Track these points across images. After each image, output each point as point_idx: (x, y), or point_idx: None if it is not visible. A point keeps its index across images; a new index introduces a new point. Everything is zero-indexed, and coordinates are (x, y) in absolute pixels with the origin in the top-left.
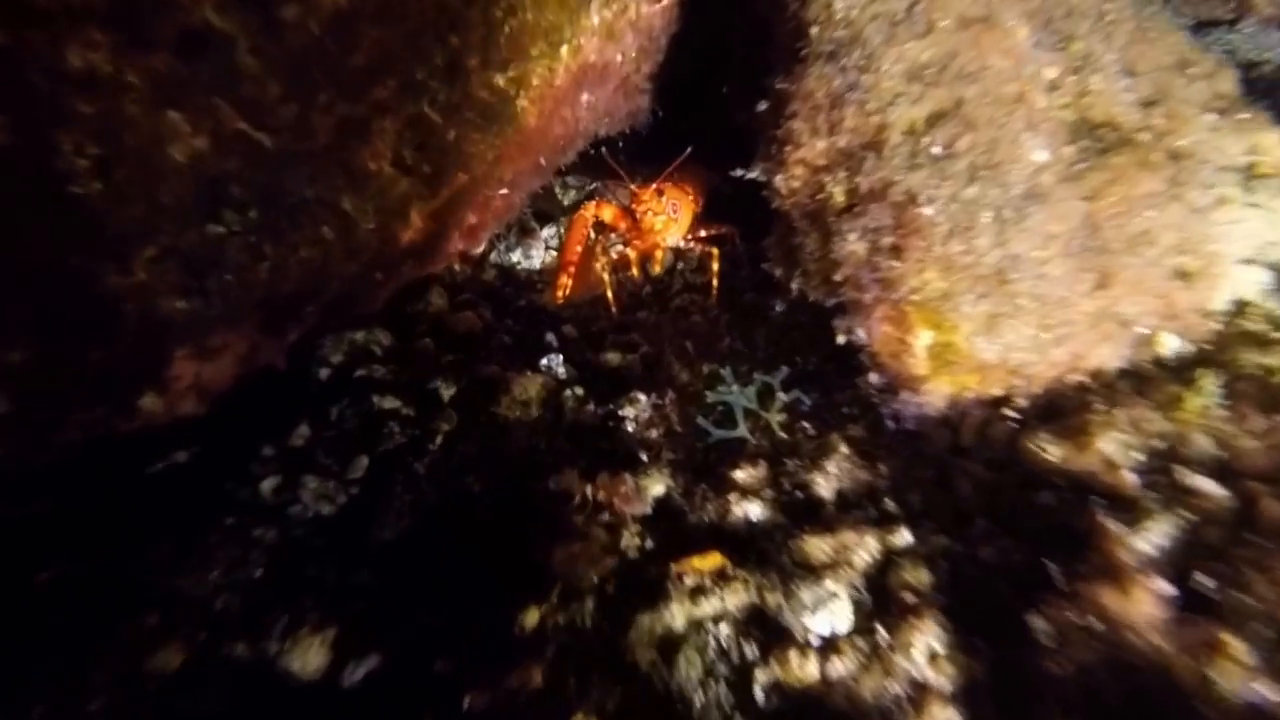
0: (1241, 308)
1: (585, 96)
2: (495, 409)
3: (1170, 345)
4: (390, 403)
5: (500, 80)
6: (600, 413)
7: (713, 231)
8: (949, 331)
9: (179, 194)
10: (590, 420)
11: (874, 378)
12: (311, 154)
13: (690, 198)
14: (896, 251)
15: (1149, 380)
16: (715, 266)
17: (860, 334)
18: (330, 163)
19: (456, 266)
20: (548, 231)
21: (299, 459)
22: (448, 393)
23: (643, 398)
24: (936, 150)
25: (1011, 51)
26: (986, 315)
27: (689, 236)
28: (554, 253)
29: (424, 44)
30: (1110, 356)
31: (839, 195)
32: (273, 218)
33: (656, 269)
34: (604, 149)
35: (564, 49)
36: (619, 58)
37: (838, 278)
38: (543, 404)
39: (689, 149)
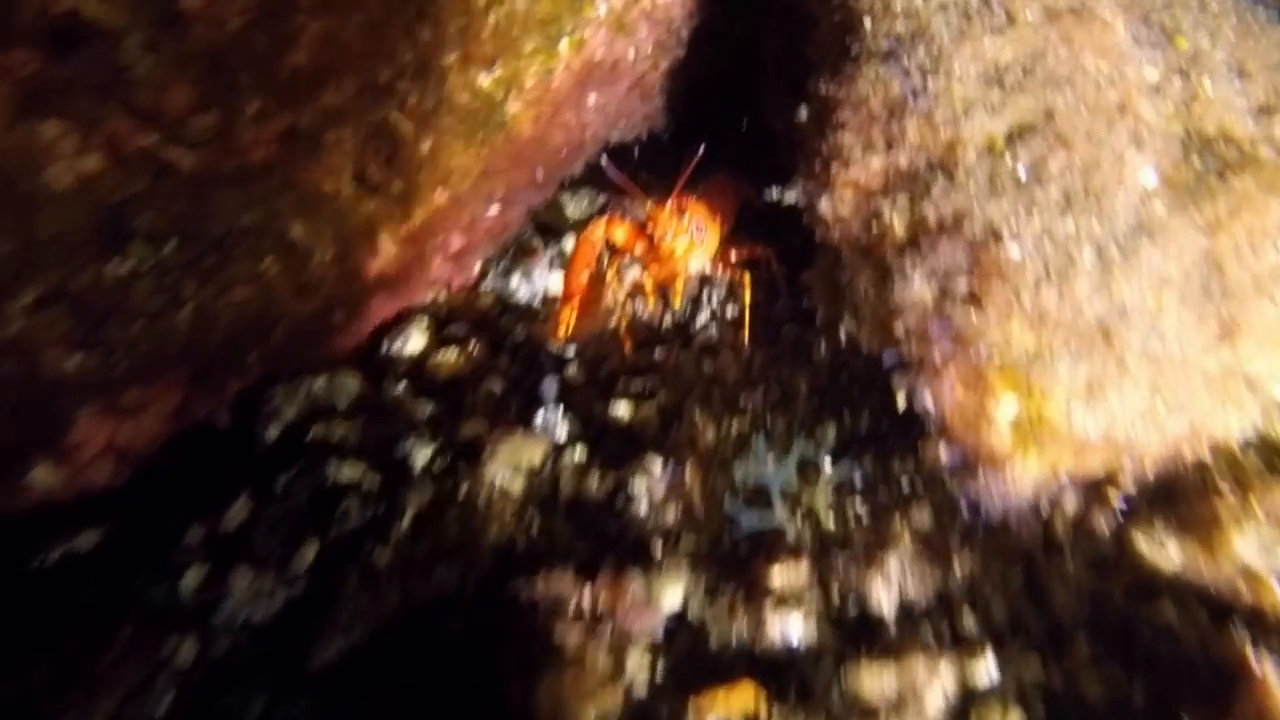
0: None
1: (592, 98)
2: (478, 481)
3: None
4: (350, 471)
5: (485, 80)
6: (606, 486)
7: (744, 254)
8: (1040, 399)
9: (65, 226)
10: (593, 495)
11: (944, 452)
12: (246, 173)
13: (717, 215)
14: (974, 300)
15: None
16: (747, 297)
17: (927, 397)
18: (273, 183)
19: (443, 295)
20: (552, 250)
21: (232, 544)
22: (421, 458)
23: (658, 466)
24: (1022, 173)
25: (1110, 49)
26: (1087, 379)
27: (716, 260)
28: (559, 274)
29: (387, 38)
30: (1236, 425)
31: (899, 226)
32: (196, 252)
33: (677, 301)
34: (606, 159)
35: (564, 43)
36: (631, 53)
37: (899, 329)
38: (536, 474)
39: (713, 156)
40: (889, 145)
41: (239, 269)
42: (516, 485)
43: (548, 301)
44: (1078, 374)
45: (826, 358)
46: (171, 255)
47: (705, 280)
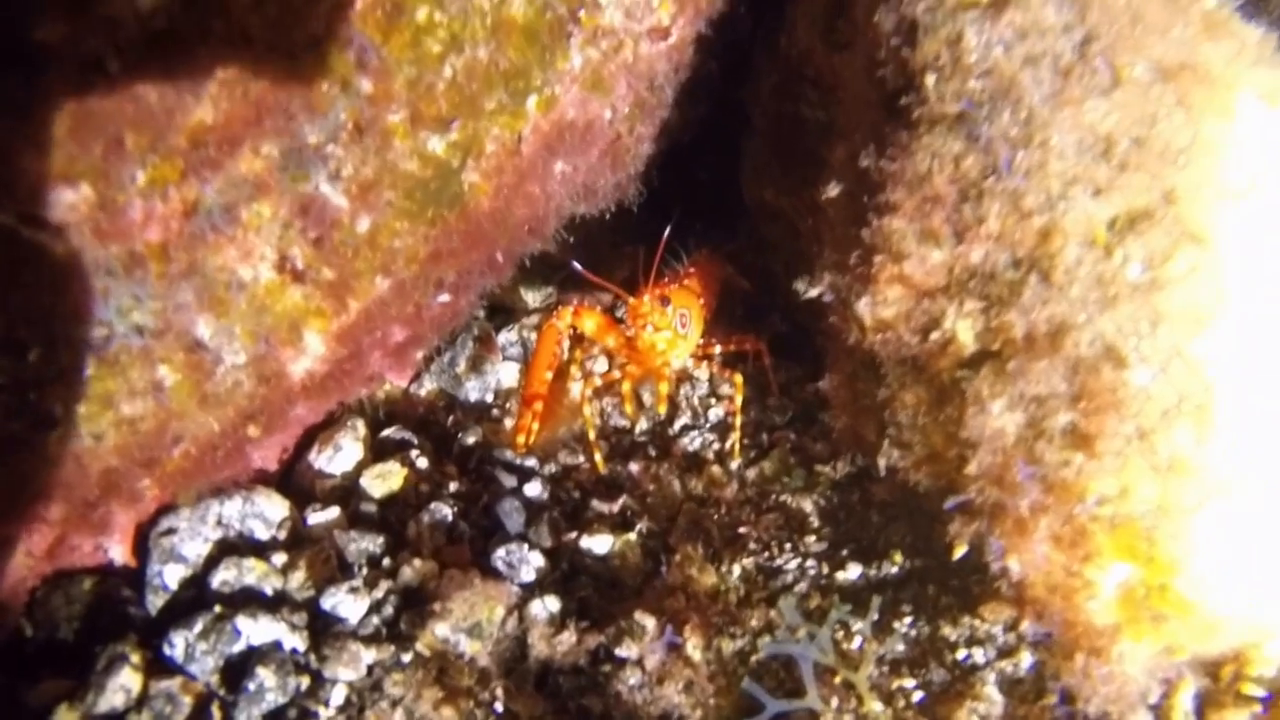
0: None
1: (560, 166)
2: (425, 645)
3: None
4: (266, 630)
5: (439, 144)
6: (586, 650)
7: (731, 347)
8: (1163, 566)
9: None
10: (570, 662)
11: (1024, 626)
12: (136, 260)
13: (702, 300)
14: (1079, 438)
15: None
16: (739, 401)
17: (1003, 554)
18: (172, 271)
19: (382, 390)
20: (507, 335)
21: None
22: (355, 612)
23: (650, 624)
24: (1137, 274)
25: (1230, 111)
26: (1229, 541)
27: (699, 354)
28: (516, 366)
29: (318, 91)
30: None
31: (968, 337)
32: (69, 361)
33: (662, 407)
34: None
35: (532, 100)
36: (607, 114)
37: (971, 468)
38: (497, 634)
39: (693, 231)
40: (958, 235)
41: (128, 379)
42: (474, 650)
43: (502, 396)
44: (1217, 535)
45: (839, 474)
46: (35, 366)
47: (683, 374)
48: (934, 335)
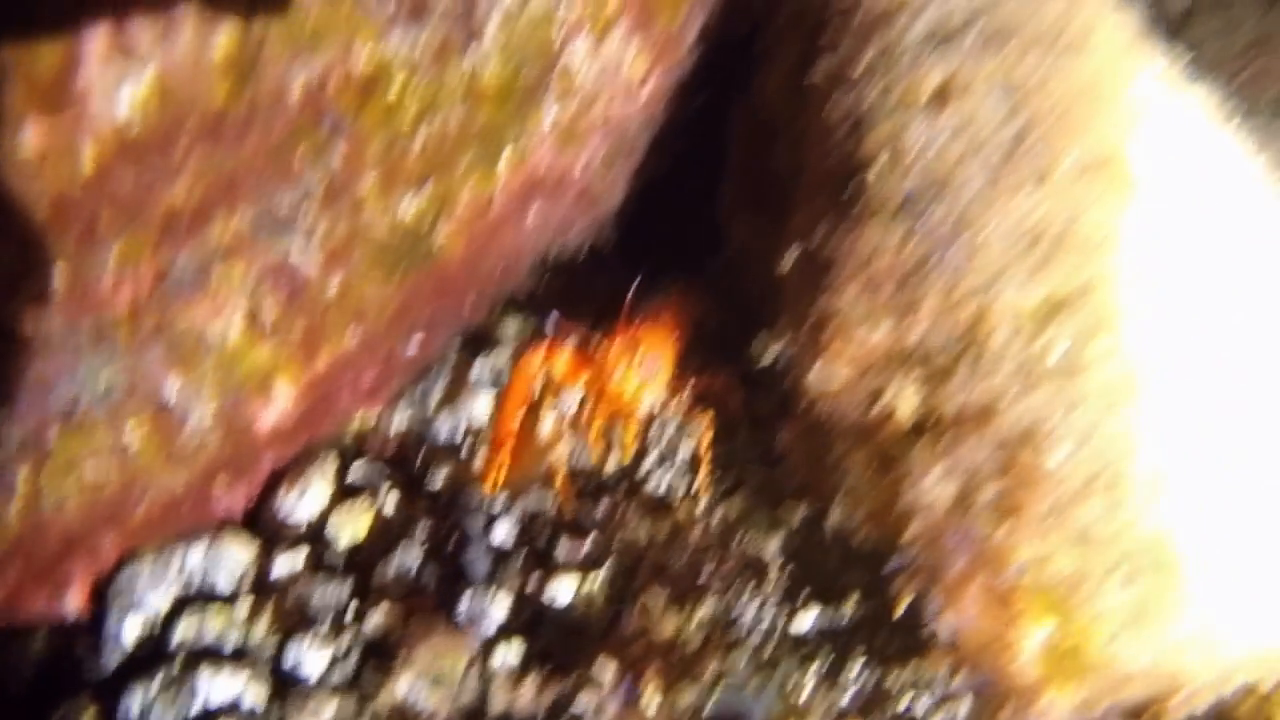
0: None
1: (534, 212)
2: (387, 698)
3: None
4: (226, 687)
5: (410, 205)
6: (545, 701)
7: (701, 386)
8: (1077, 628)
9: None
10: (529, 713)
11: (960, 677)
12: (106, 327)
13: (671, 340)
14: (1005, 510)
15: None
16: (706, 442)
17: (939, 614)
18: (142, 332)
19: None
20: (483, 366)
21: None
22: (317, 665)
23: (609, 675)
24: (1057, 358)
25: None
26: (1136, 604)
27: (669, 393)
28: (487, 401)
29: (291, 162)
30: None
31: (907, 411)
32: (31, 428)
33: (629, 452)
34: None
35: (504, 159)
36: (581, 164)
37: (908, 534)
38: (458, 685)
39: (667, 266)
40: (901, 314)
41: (93, 442)
42: (434, 702)
43: (474, 430)
44: (1126, 600)
45: (799, 516)
46: None
47: (653, 414)
48: (877, 407)
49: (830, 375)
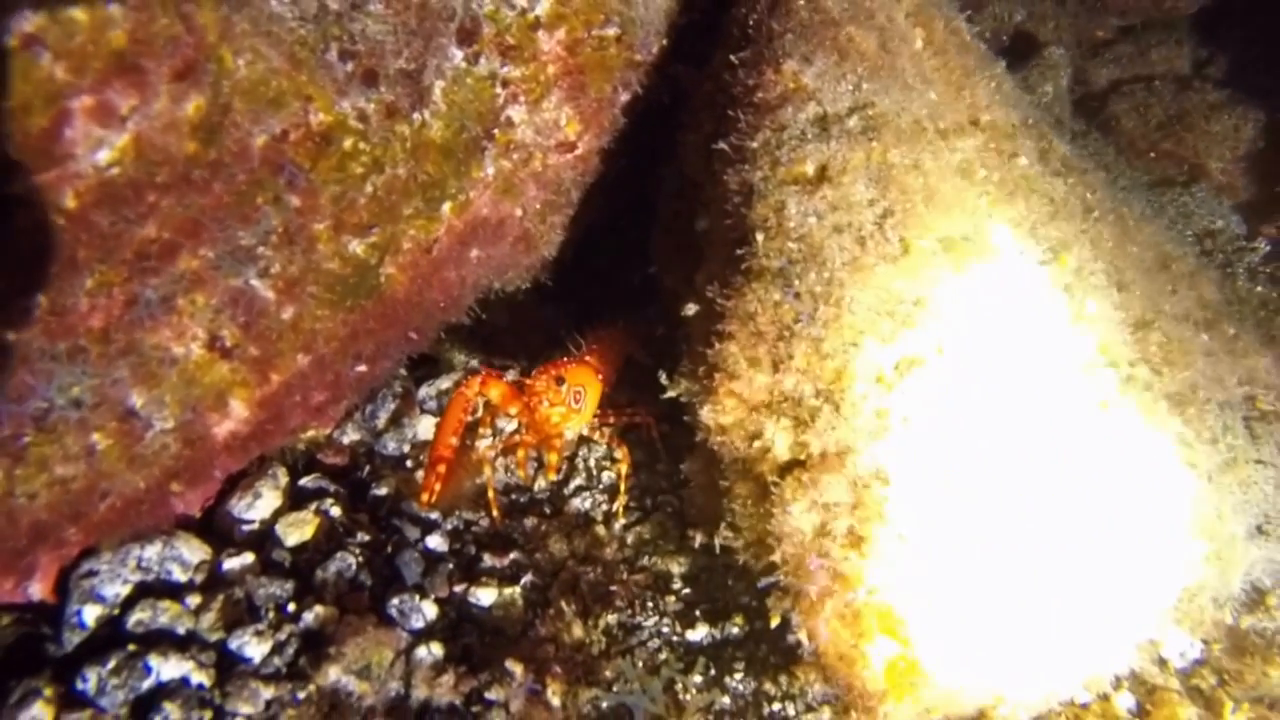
0: (1261, 596)
1: (475, 253)
2: (320, 681)
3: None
4: (175, 668)
5: (358, 246)
6: (460, 693)
7: (623, 419)
8: (910, 645)
9: None
10: (445, 703)
11: (818, 686)
12: (79, 345)
13: (600, 374)
14: (854, 539)
15: (1157, 696)
16: (624, 470)
17: (802, 628)
18: (111, 349)
19: (304, 437)
20: (427, 390)
21: None
22: (259, 652)
23: (518, 672)
24: (909, 411)
25: (996, 274)
26: (963, 630)
27: (596, 422)
28: (431, 420)
29: (249, 206)
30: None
31: (781, 449)
32: (10, 432)
33: (551, 475)
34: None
35: (446, 206)
36: (519, 212)
37: (776, 556)
38: (384, 676)
39: (603, 303)
40: (775, 366)
41: (63, 446)
42: (362, 690)
43: (417, 448)
44: (954, 625)
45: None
46: None
47: (583, 439)
48: (757, 443)
49: (720, 414)
